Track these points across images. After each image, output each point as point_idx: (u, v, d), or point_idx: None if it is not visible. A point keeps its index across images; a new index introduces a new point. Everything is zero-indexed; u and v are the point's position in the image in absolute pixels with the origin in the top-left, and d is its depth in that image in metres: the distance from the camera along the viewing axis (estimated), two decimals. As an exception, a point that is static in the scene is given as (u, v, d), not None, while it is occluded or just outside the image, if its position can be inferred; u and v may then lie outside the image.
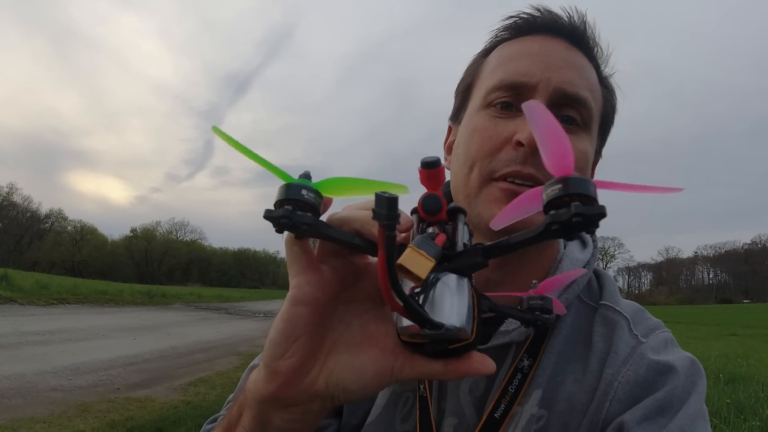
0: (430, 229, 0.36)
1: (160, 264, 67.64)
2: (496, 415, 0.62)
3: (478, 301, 0.37)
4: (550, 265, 0.69)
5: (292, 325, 0.36)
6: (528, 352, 0.64)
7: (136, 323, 11.99)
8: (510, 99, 0.62)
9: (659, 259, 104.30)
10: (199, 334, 10.68)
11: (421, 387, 0.67)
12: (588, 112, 0.63)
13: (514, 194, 0.59)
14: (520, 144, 0.59)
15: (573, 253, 0.70)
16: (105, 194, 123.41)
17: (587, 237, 0.74)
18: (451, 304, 0.32)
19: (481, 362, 0.35)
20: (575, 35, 0.65)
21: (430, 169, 0.34)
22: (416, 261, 0.30)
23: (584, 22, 0.66)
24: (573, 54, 0.64)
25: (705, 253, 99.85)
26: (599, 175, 0.74)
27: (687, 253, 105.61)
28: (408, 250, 0.30)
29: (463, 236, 0.35)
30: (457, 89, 0.72)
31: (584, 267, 0.69)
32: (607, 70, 0.69)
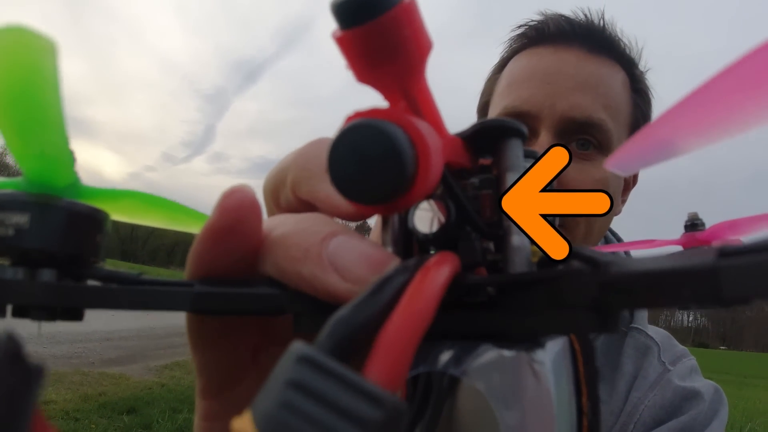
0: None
1: (144, 243, 66.97)
2: None
3: None
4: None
5: None
6: None
7: (116, 299, 11.84)
8: None
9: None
10: (177, 318, 10.17)
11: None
12: (604, 135, 0.57)
13: None
14: None
15: None
16: (98, 166, 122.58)
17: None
18: None
19: None
20: (593, 38, 0.58)
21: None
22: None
23: (602, 19, 0.60)
24: (588, 65, 0.57)
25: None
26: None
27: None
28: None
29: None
30: (477, 107, 0.69)
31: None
32: (641, 66, 0.62)
